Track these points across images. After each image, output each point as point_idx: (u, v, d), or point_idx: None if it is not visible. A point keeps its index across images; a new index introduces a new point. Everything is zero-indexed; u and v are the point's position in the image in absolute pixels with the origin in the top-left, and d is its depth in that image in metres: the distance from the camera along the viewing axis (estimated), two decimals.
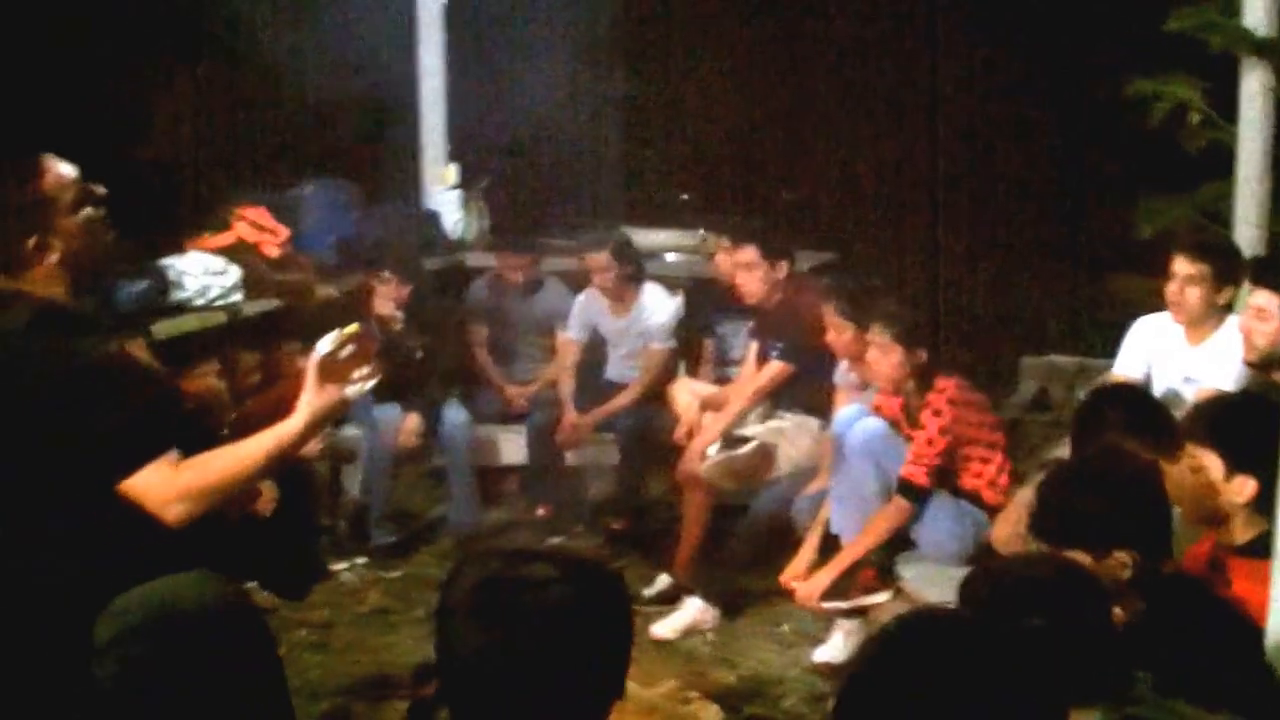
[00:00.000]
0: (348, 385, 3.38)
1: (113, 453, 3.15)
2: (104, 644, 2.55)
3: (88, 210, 3.30)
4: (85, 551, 3.22)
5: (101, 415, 3.14)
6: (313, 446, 6.57)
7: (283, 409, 3.40)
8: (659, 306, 7.25)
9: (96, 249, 3.36)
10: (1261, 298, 4.85)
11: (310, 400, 3.33)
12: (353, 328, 3.41)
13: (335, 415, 3.49)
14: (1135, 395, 4.85)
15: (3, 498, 3.31)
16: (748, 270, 6.45)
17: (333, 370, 3.34)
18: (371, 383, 3.41)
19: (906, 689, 1.96)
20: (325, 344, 3.35)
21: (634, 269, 7.24)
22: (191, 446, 3.26)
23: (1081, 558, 3.29)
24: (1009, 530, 4.95)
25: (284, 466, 3.49)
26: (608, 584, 2.19)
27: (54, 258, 3.23)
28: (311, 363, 3.35)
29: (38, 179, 3.23)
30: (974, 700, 1.94)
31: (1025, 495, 5.05)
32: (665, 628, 6.04)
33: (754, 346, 6.65)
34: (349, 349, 3.36)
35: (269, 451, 3.30)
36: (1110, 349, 5.89)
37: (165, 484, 3.15)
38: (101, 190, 3.36)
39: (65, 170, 3.29)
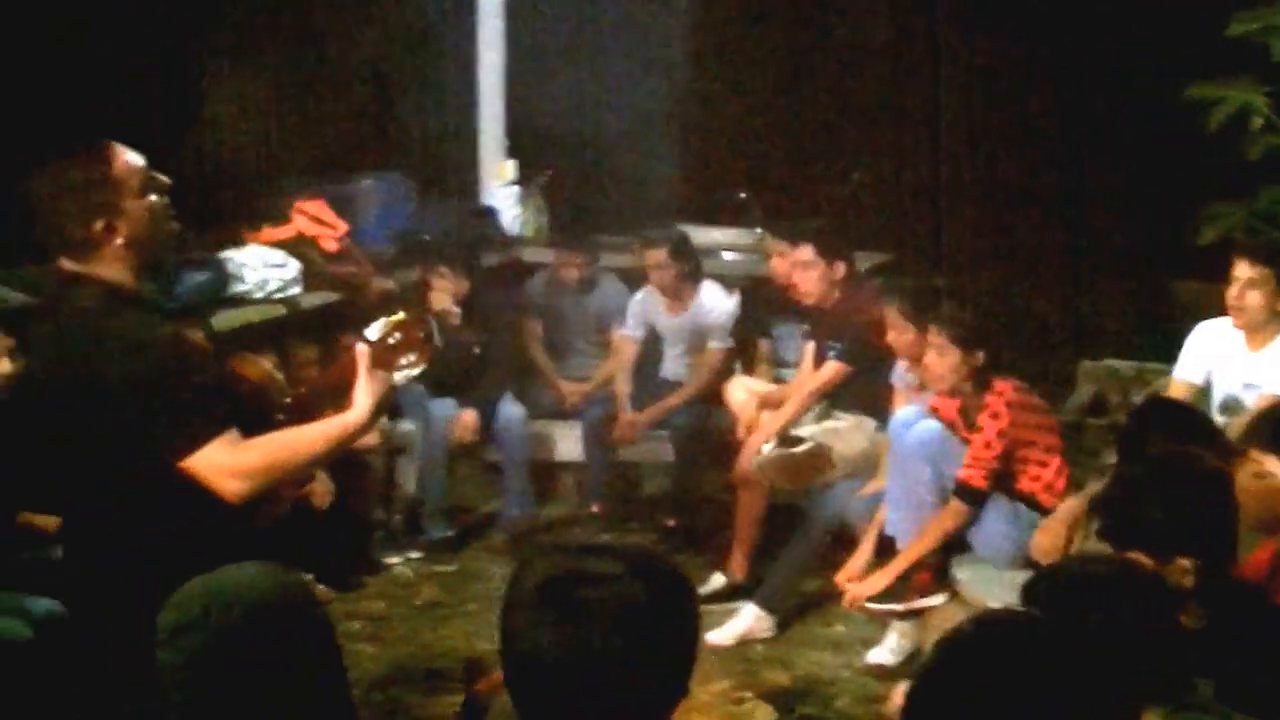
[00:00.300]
0: (395, 372, 3.40)
1: (177, 429, 3.21)
2: (167, 633, 2.56)
3: (153, 197, 3.36)
4: (148, 537, 3.28)
5: (166, 392, 3.21)
6: (370, 438, 6.62)
7: (337, 393, 3.44)
8: (716, 305, 7.25)
9: (160, 235, 3.42)
10: None
11: (369, 388, 3.35)
12: (399, 315, 3.43)
13: (388, 403, 3.51)
14: (1179, 413, 4.79)
15: (72, 478, 3.39)
16: (805, 270, 6.42)
17: (381, 357, 3.37)
18: (418, 369, 3.44)
19: (980, 690, 1.95)
20: (373, 331, 3.39)
21: (692, 267, 7.23)
22: (247, 429, 3.31)
23: (1144, 562, 3.28)
24: (1050, 541, 4.94)
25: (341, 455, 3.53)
26: (676, 581, 2.18)
27: (120, 241, 3.28)
28: (362, 352, 3.37)
29: (106, 163, 3.29)
30: (1049, 701, 1.93)
31: (1069, 507, 5.04)
32: (722, 635, 6.00)
33: (811, 347, 6.63)
34: (396, 336, 3.38)
35: (331, 438, 3.36)
36: (1169, 354, 5.86)
37: (227, 461, 3.22)
38: (166, 180, 3.42)
39: (132, 157, 3.35)
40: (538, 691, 2.08)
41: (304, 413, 3.49)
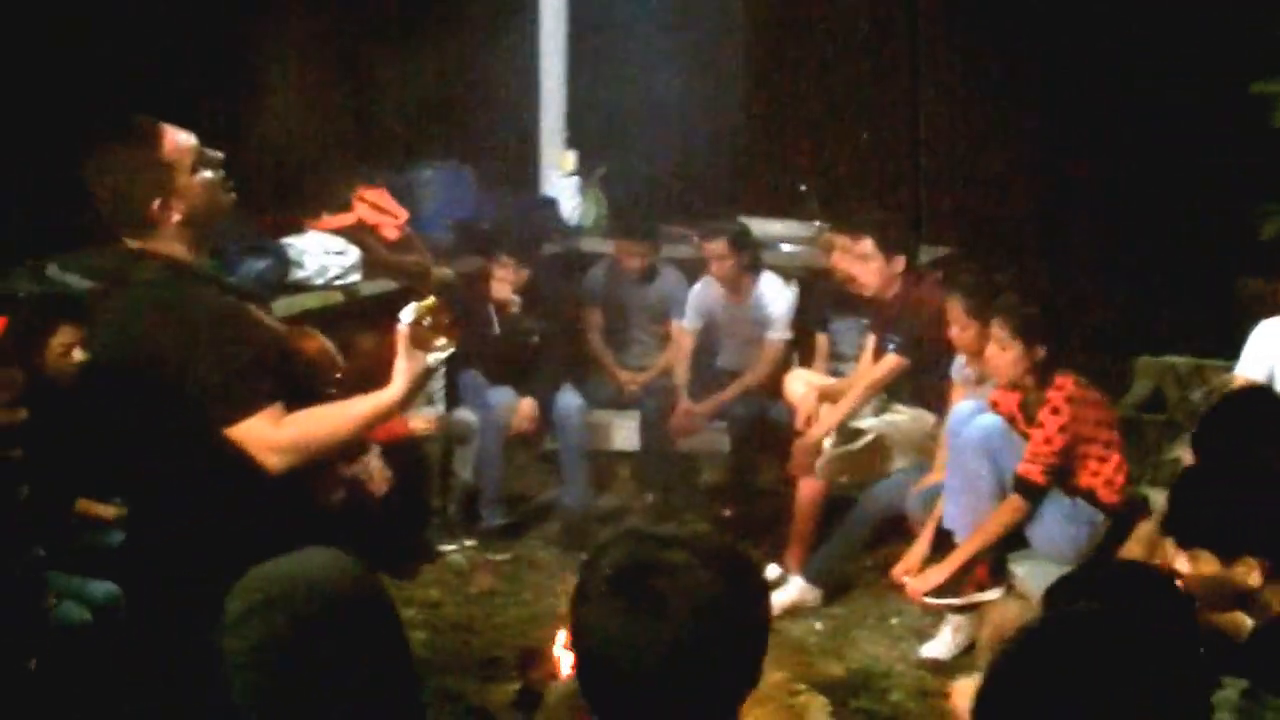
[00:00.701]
0: (430, 353, 3.51)
1: (225, 398, 3.31)
2: (233, 619, 2.57)
3: (206, 173, 3.44)
4: (208, 519, 3.34)
5: (218, 361, 3.30)
6: (428, 425, 6.65)
7: (379, 368, 3.53)
8: (776, 296, 7.24)
9: (216, 209, 3.50)
10: None
11: (406, 367, 3.47)
12: (429, 301, 3.55)
13: (424, 384, 3.60)
14: (1267, 400, 4.73)
15: (134, 459, 3.44)
16: (864, 262, 6.39)
17: (417, 338, 3.47)
18: (448, 352, 3.54)
19: (1055, 687, 1.93)
20: (407, 314, 3.49)
21: (751, 258, 7.22)
22: (299, 401, 3.43)
23: (1209, 562, 3.25)
24: (1139, 551, 4.91)
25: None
26: (748, 570, 2.17)
27: (177, 218, 3.38)
28: (400, 331, 3.47)
29: (156, 144, 3.37)
30: (1124, 696, 1.91)
31: (1146, 530, 5.01)
32: None
33: (871, 340, 6.61)
34: (428, 320, 3.49)
35: (368, 415, 3.49)
36: (1231, 351, 5.81)
37: (270, 434, 3.33)
38: (218, 154, 3.51)
39: (182, 136, 3.43)
40: (609, 683, 2.07)
41: (352, 390, 3.59)
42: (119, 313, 3.42)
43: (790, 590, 6.19)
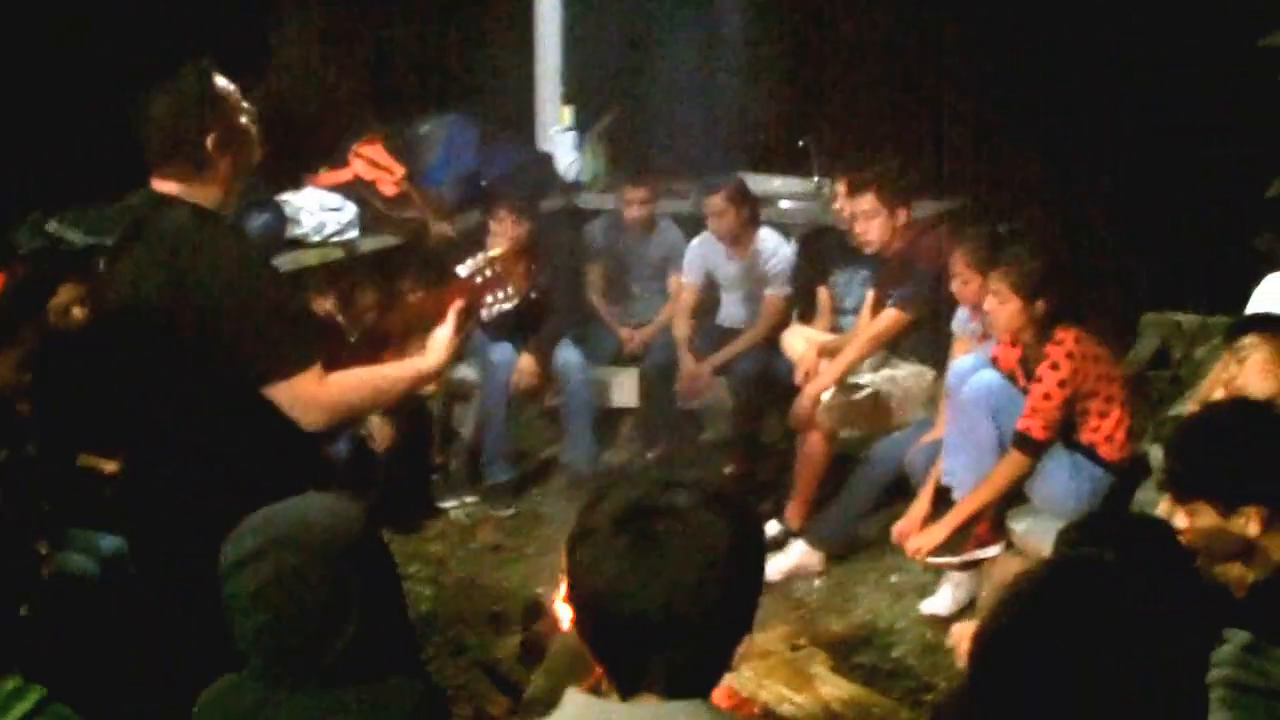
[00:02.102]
0: (484, 309, 3.47)
1: (275, 354, 3.29)
2: (232, 564, 2.59)
3: (248, 121, 3.45)
4: (213, 470, 3.32)
5: (269, 315, 3.29)
6: (429, 386, 6.65)
7: (413, 327, 3.53)
8: (775, 251, 7.22)
9: (253, 160, 3.50)
10: None
11: (450, 338, 3.50)
12: (496, 251, 3.50)
13: (461, 351, 3.59)
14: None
15: (141, 410, 3.42)
16: (867, 218, 6.36)
17: (470, 293, 3.44)
18: (513, 303, 3.51)
19: (1055, 632, 1.94)
20: (465, 267, 3.46)
21: (750, 212, 7.20)
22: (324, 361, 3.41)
23: (1208, 514, 3.26)
24: None
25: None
26: (747, 515, 2.18)
27: (228, 160, 3.37)
28: (454, 296, 3.47)
29: (213, 80, 3.38)
30: (1126, 643, 1.92)
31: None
32: (770, 569, 6.01)
33: (871, 294, 6.60)
34: (489, 271, 3.45)
35: (408, 380, 3.53)
36: (1234, 308, 5.79)
37: (314, 392, 3.32)
38: (253, 108, 3.49)
39: (226, 80, 3.43)
40: (607, 623, 2.08)
41: (369, 350, 3.57)
42: (142, 260, 3.34)
43: (793, 554, 6.19)
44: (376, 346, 3.65)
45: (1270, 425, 3.35)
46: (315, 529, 2.61)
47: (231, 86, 3.41)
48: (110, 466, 4.91)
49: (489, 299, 3.52)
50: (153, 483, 3.48)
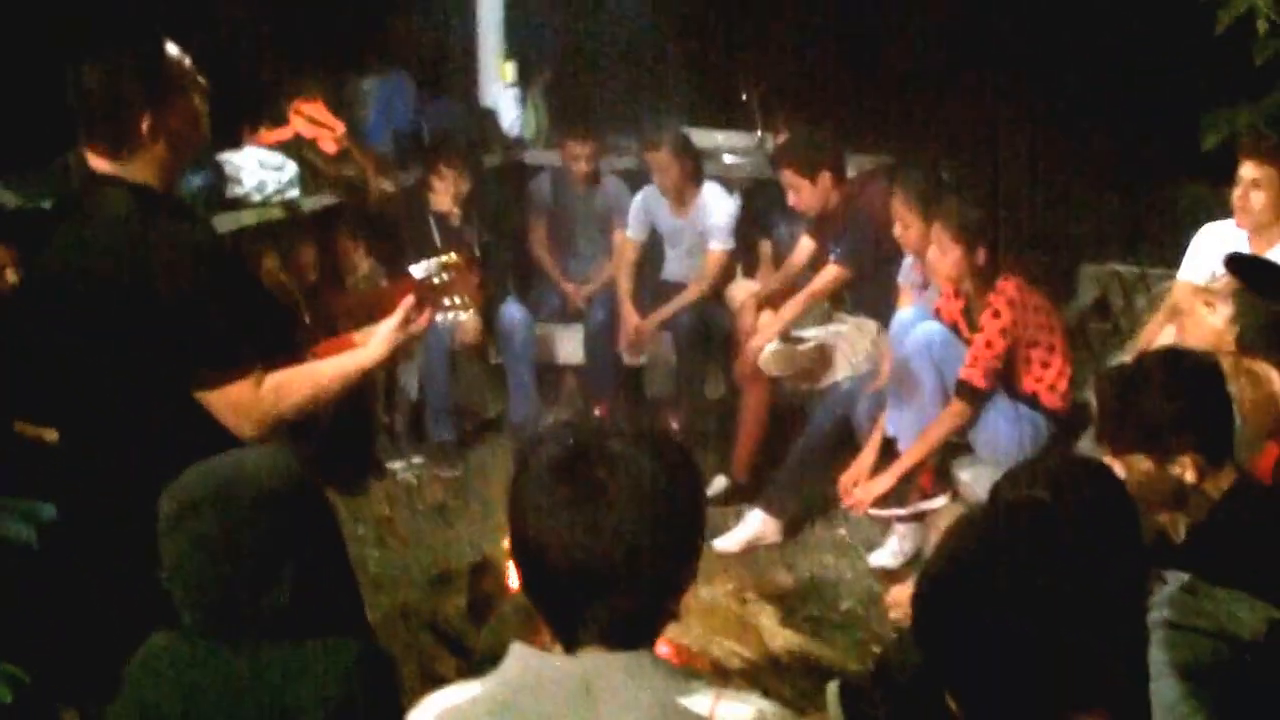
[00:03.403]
0: (440, 312, 3.39)
1: (209, 360, 3.14)
2: (167, 522, 2.57)
3: (196, 99, 3.26)
4: (149, 438, 3.23)
5: (205, 317, 3.11)
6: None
7: (363, 321, 3.43)
8: (718, 206, 7.20)
9: (197, 140, 3.32)
10: None
11: (393, 331, 3.36)
12: (451, 256, 3.42)
13: (415, 342, 3.53)
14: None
15: (74, 384, 3.33)
16: (795, 191, 6.42)
17: (424, 295, 3.36)
18: (466, 313, 3.43)
19: (995, 575, 1.94)
20: (419, 269, 3.37)
21: (694, 166, 7.18)
22: (270, 354, 3.26)
23: (1143, 462, 3.28)
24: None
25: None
26: (685, 459, 2.17)
27: (163, 139, 3.17)
28: (405, 293, 3.36)
29: (160, 53, 3.18)
30: (1065, 581, 1.92)
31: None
32: (728, 541, 6.02)
33: (805, 244, 6.62)
34: (444, 276, 3.37)
35: (347, 377, 3.34)
36: (1172, 258, 5.84)
37: (247, 403, 3.16)
38: (205, 83, 3.30)
39: (180, 53, 3.23)
40: (547, 573, 2.07)
41: (321, 336, 3.49)
42: (79, 241, 3.19)
43: (750, 524, 6.17)
44: (324, 330, 3.56)
45: (1198, 371, 3.37)
46: (250, 482, 2.59)
47: (184, 62, 3.22)
48: (50, 435, 4.86)
49: (445, 302, 3.43)
50: (88, 452, 3.38)
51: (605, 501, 2.03)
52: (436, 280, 3.39)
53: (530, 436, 6.76)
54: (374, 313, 3.45)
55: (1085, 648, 1.91)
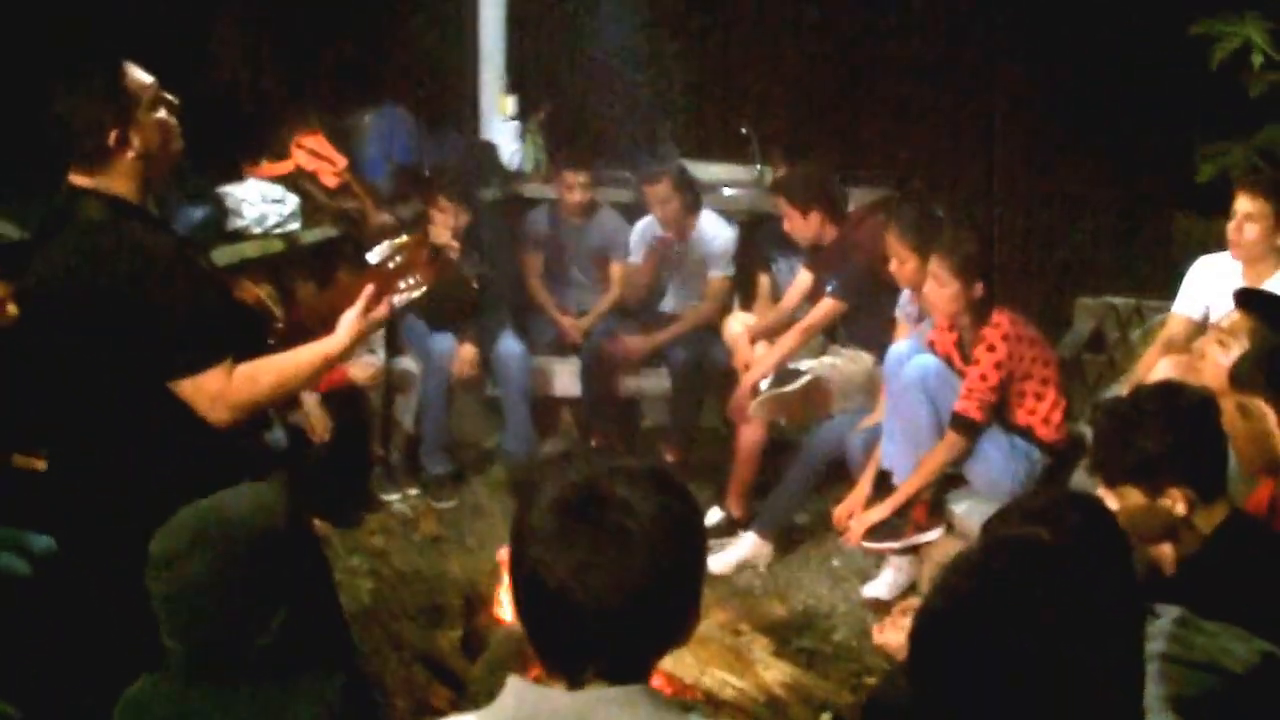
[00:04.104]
0: (396, 295, 3.57)
1: (179, 351, 3.34)
2: (157, 562, 2.57)
3: (163, 113, 3.48)
4: (140, 464, 3.33)
5: (172, 311, 3.32)
6: (368, 374, 6.63)
7: (330, 319, 3.56)
8: (717, 233, 7.24)
9: (169, 152, 3.52)
10: None
11: (355, 319, 3.56)
12: (403, 239, 3.55)
13: (377, 328, 3.72)
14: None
15: (65, 404, 3.43)
16: (788, 219, 6.50)
17: (381, 279, 3.48)
18: (420, 290, 3.55)
19: (993, 611, 1.95)
20: (375, 254, 3.50)
21: (692, 197, 7.22)
22: (242, 353, 3.46)
23: (1135, 494, 3.30)
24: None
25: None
26: (687, 499, 2.17)
27: (132, 154, 3.40)
28: (365, 282, 3.48)
29: (120, 77, 3.41)
30: (1063, 619, 1.93)
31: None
32: (719, 563, 6.07)
33: (803, 277, 6.65)
34: (398, 259, 3.49)
35: (314, 364, 3.57)
36: (1168, 290, 5.87)
37: (219, 391, 3.36)
38: (176, 100, 3.53)
39: (144, 74, 3.47)
40: (551, 616, 2.07)
41: (295, 340, 3.60)
42: (59, 252, 3.40)
43: (742, 546, 6.20)
44: (297, 338, 3.66)
45: (1193, 406, 3.39)
46: (239, 525, 2.59)
47: (147, 81, 3.46)
48: (41, 464, 4.87)
49: (400, 285, 3.56)
50: (78, 479, 3.48)
51: (607, 544, 2.03)
52: (392, 264, 3.52)
53: (533, 475, 6.82)
54: (341, 308, 3.62)
55: (1082, 683, 1.91)
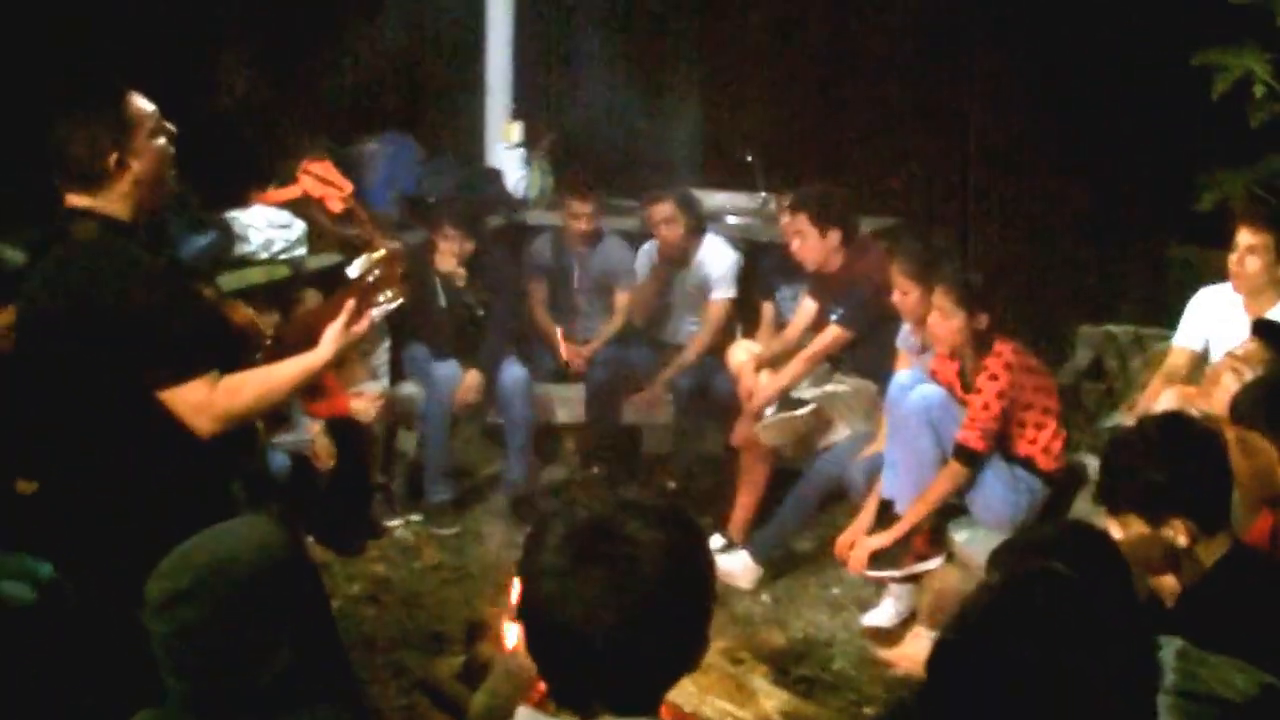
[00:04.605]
0: (375, 308, 3.65)
1: (164, 360, 3.40)
2: (155, 604, 2.56)
3: (162, 141, 3.55)
4: (137, 489, 3.37)
5: (157, 321, 3.39)
6: (369, 407, 6.62)
7: (314, 336, 3.62)
8: (718, 257, 7.26)
9: (164, 180, 3.59)
10: None
11: (338, 332, 3.62)
12: (380, 253, 3.63)
13: (359, 341, 3.76)
14: None
15: (61, 426, 3.48)
16: (801, 238, 6.46)
17: (363, 292, 3.54)
18: (395, 304, 3.62)
19: (1013, 646, 1.95)
20: (354, 268, 3.58)
21: (696, 224, 7.25)
22: (228, 367, 3.53)
23: (1137, 523, 3.31)
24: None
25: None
26: (695, 532, 2.18)
27: (129, 178, 3.46)
28: (342, 290, 3.62)
29: (121, 102, 3.48)
30: (1082, 654, 1.94)
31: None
32: None
33: (807, 305, 6.66)
34: (376, 273, 3.56)
35: (296, 378, 3.64)
36: (1168, 320, 5.88)
37: (203, 401, 3.43)
38: (173, 129, 3.61)
39: (144, 102, 3.54)
40: (562, 650, 2.08)
41: (281, 354, 3.66)
42: (53, 271, 3.47)
43: (732, 562, 6.19)
44: (282, 355, 3.72)
45: (1197, 439, 3.41)
46: (238, 565, 2.57)
47: (149, 109, 3.53)
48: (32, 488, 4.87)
49: (379, 299, 3.65)
50: (73, 503, 3.53)
51: (617, 578, 2.05)
52: (371, 278, 3.59)
53: (537, 507, 6.83)
54: (324, 325, 3.68)
55: (1099, 714, 1.92)
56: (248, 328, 3.81)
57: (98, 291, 3.38)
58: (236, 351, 3.64)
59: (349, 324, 3.65)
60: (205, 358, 3.45)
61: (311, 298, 6.58)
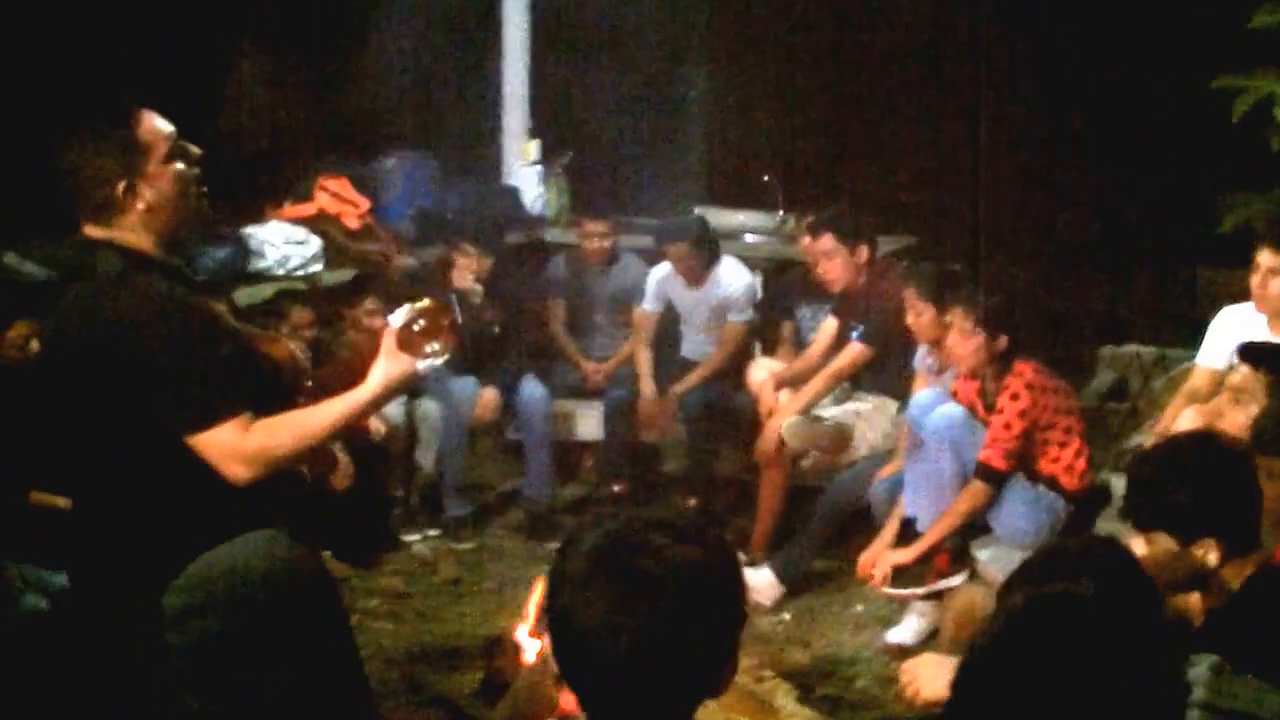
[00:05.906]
0: (420, 360, 3.37)
1: (192, 405, 3.16)
2: (173, 617, 2.54)
3: (180, 165, 3.30)
4: (159, 512, 3.25)
5: (185, 364, 3.16)
6: (382, 429, 6.60)
7: (356, 375, 3.43)
8: (736, 280, 7.23)
9: (187, 207, 3.34)
10: None
11: (383, 373, 3.33)
12: (425, 302, 3.38)
13: (405, 388, 3.51)
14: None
15: (83, 451, 3.36)
16: (829, 258, 6.45)
17: (406, 342, 3.34)
18: (444, 358, 3.40)
19: (1038, 667, 1.94)
20: (398, 316, 3.35)
21: (710, 252, 7.23)
22: (266, 408, 3.27)
23: (1166, 541, 3.28)
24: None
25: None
26: (723, 548, 2.17)
27: (142, 206, 3.22)
28: (387, 335, 3.35)
29: (130, 125, 3.24)
30: (1109, 676, 1.92)
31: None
32: None
33: (829, 324, 6.64)
34: (421, 323, 3.35)
35: (335, 421, 3.32)
36: (1191, 341, 5.86)
37: (235, 444, 3.17)
38: (198, 151, 3.36)
39: (160, 123, 3.29)
40: (592, 666, 2.06)
41: (323, 396, 3.46)
42: (74, 305, 3.25)
43: (755, 578, 6.17)
44: (324, 397, 3.52)
45: (1229, 459, 3.38)
46: (256, 578, 2.55)
47: (165, 130, 3.30)
48: (62, 503, 4.85)
49: (426, 350, 3.40)
50: (96, 523, 3.39)
51: (647, 594, 2.02)
52: (416, 328, 3.37)
53: (560, 525, 6.81)
54: (368, 366, 3.39)
55: None
56: (288, 365, 3.61)
57: (120, 332, 3.17)
58: (275, 391, 3.40)
59: (395, 367, 3.34)
60: (233, 400, 3.20)
61: (298, 314, 6.56)
